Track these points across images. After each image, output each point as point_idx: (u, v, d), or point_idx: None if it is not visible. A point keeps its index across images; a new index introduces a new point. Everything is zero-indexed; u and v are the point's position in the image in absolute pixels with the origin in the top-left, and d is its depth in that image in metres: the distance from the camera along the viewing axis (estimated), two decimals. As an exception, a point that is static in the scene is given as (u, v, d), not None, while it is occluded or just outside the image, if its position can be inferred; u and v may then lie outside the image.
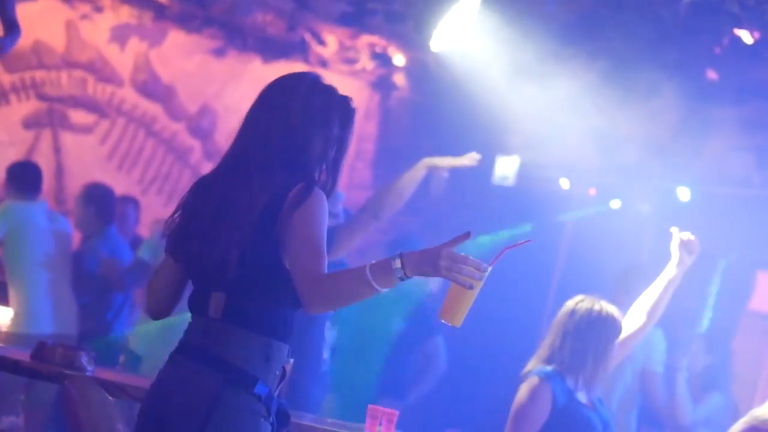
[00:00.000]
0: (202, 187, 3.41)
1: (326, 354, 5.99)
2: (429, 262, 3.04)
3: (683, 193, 8.36)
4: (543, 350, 4.97)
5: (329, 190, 3.39)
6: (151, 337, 7.15)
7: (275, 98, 3.40)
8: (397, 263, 3.04)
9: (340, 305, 3.15)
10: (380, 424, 4.43)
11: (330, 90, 3.43)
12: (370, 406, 4.52)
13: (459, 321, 3.18)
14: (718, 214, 8.18)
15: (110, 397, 4.07)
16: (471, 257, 3.03)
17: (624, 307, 6.73)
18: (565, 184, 9.18)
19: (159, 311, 3.49)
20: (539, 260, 8.71)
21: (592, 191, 9.00)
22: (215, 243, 3.27)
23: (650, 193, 8.74)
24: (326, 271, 3.13)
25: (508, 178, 9.09)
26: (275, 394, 3.27)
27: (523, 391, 4.84)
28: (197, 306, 3.33)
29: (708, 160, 8.57)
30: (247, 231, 3.22)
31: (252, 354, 3.22)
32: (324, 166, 3.37)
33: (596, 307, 4.95)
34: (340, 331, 6.47)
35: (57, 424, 7.04)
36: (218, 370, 3.20)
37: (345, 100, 3.44)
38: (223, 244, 3.25)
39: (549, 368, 4.85)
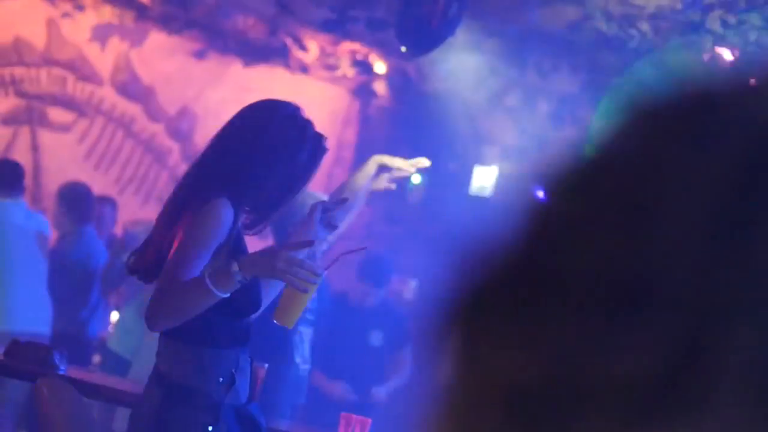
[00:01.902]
0: None
1: (299, 359, 5.99)
2: (266, 264, 3.11)
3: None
4: None
5: (260, 216, 3.44)
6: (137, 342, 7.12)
7: (247, 121, 3.43)
8: (235, 267, 3.08)
9: (180, 316, 3.15)
10: (353, 432, 4.42)
11: (305, 125, 3.46)
12: (342, 413, 4.51)
13: (291, 323, 3.23)
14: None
15: (84, 398, 4.05)
16: (307, 261, 3.09)
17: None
18: (541, 196, 9.19)
19: None
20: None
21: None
22: (143, 254, 3.36)
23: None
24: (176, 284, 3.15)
25: (486, 189, 9.09)
26: (225, 401, 3.29)
27: None
28: None
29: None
30: (165, 242, 3.26)
31: (187, 366, 3.28)
32: (269, 193, 3.40)
33: None
34: (315, 338, 6.47)
35: (28, 423, 7.01)
36: (158, 386, 3.30)
37: (319, 138, 3.48)
38: (147, 255, 3.33)
39: None
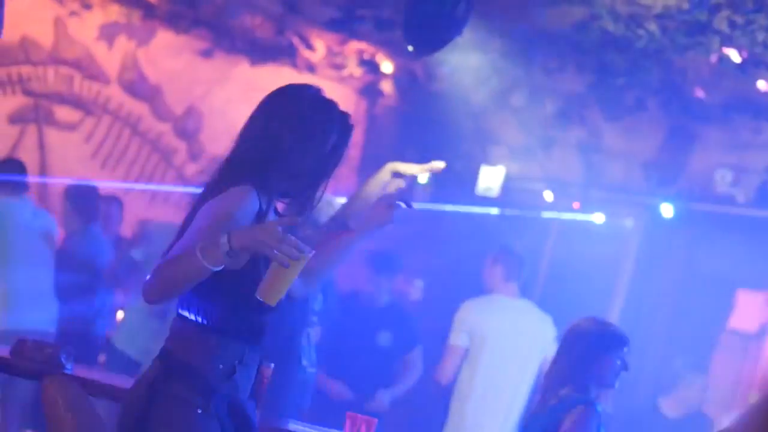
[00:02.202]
0: None
1: (305, 361, 5.99)
2: (251, 237, 3.08)
3: (666, 210, 8.38)
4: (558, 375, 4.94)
5: (300, 204, 3.44)
6: (142, 340, 7.13)
7: (274, 107, 3.43)
8: (224, 238, 3.07)
9: (172, 288, 3.15)
10: (359, 431, 4.42)
11: (331, 105, 3.48)
12: (348, 413, 4.51)
13: (274, 300, 3.21)
14: (700, 231, 8.20)
15: (90, 396, 4.06)
16: (292, 237, 3.09)
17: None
18: (548, 196, 9.19)
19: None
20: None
21: (576, 205, 9.01)
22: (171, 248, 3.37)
23: (633, 209, 8.77)
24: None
25: (493, 189, 9.09)
26: (221, 389, 3.29)
27: (574, 420, 4.79)
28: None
29: (692, 177, 8.60)
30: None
31: (192, 346, 3.31)
32: (303, 178, 3.41)
33: (595, 326, 4.95)
34: (323, 339, 6.47)
35: (34, 422, 7.01)
36: (160, 361, 3.34)
37: (345, 116, 3.50)
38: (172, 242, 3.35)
39: (590, 395, 4.82)
